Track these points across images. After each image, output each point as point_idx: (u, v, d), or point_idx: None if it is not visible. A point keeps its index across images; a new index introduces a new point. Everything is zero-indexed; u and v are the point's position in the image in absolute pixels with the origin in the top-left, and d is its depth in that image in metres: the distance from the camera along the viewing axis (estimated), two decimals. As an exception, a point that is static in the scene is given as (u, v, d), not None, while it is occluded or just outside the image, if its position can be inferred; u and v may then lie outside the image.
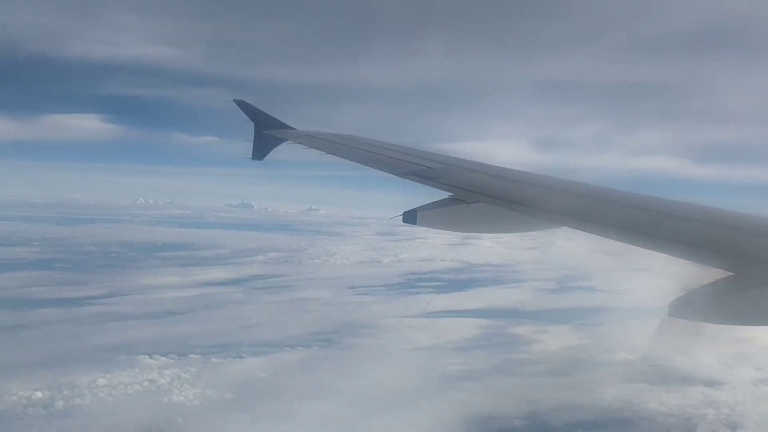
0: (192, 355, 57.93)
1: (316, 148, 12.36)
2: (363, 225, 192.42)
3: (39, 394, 47.76)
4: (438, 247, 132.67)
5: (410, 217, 7.99)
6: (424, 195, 8.46)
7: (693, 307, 5.54)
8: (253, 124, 14.87)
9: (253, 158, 14.73)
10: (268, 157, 14.74)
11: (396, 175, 9.77)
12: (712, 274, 5.66)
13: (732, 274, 5.66)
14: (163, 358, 56.48)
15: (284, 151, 14.33)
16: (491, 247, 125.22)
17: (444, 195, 8.42)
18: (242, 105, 15.18)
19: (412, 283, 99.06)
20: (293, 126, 14.90)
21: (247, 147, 14.68)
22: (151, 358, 56.37)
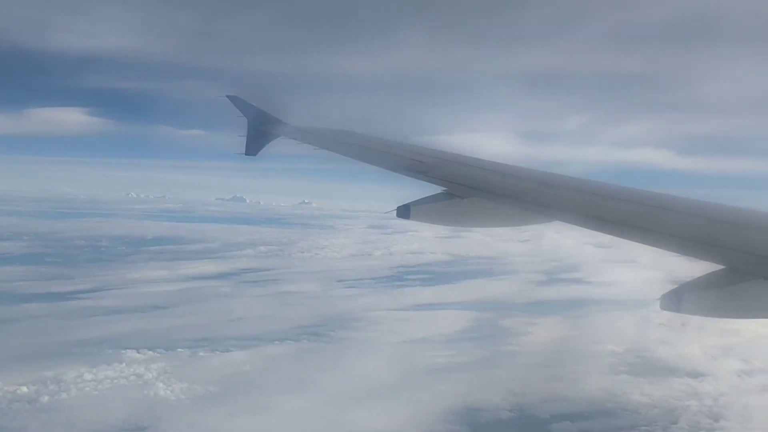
0: (179, 349, 57.75)
1: (310, 144, 12.38)
2: (355, 218, 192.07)
3: (24, 389, 47.53)
4: (429, 239, 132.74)
5: (404, 211, 8.11)
6: (418, 189, 8.53)
7: (685, 300, 5.58)
8: (245, 119, 14.84)
9: (246, 154, 14.68)
10: (261, 152, 14.74)
11: (390, 170, 9.85)
12: (703, 267, 5.71)
13: (723, 267, 5.72)
14: (150, 353, 56.23)
15: (278, 146, 14.35)
16: (482, 239, 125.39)
17: (437, 190, 8.48)
18: (235, 100, 15.06)
19: (402, 275, 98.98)
20: (284, 119, 14.87)
21: (240, 141, 14.67)
22: (138, 352, 56.12)
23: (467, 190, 8.34)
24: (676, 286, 5.70)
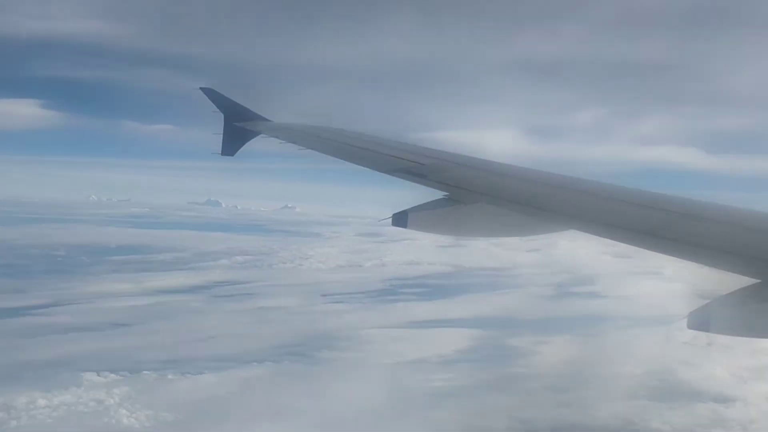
0: (145, 372, 57.74)
1: (294, 143, 12.33)
2: (344, 225, 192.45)
3: (-31, 416, 47.48)
4: (426, 248, 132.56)
5: (400, 219, 7.92)
6: (415, 194, 8.47)
7: (715, 318, 5.48)
8: (222, 115, 14.74)
9: (222, 153, 14.61)
10: (239, 151, 14.68)
11: (384, 172, 9.81)
12: (735, 281, 5.64)
13: (758, 281, 5.65)
14: (112, 375, 56.24)
15: (258, 144, 14.30)
16: (486, 248, 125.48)
17: (437, 195, 8.42)
18: (210, 93, 14.96)
19: (396, 289, 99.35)
20: (265, 114, 14.82)
21: (215, 139, 14.58)
22: (98, 375, 56.14)
23: (471, 195, 8.28)
24: (705, 303, 5.66)
